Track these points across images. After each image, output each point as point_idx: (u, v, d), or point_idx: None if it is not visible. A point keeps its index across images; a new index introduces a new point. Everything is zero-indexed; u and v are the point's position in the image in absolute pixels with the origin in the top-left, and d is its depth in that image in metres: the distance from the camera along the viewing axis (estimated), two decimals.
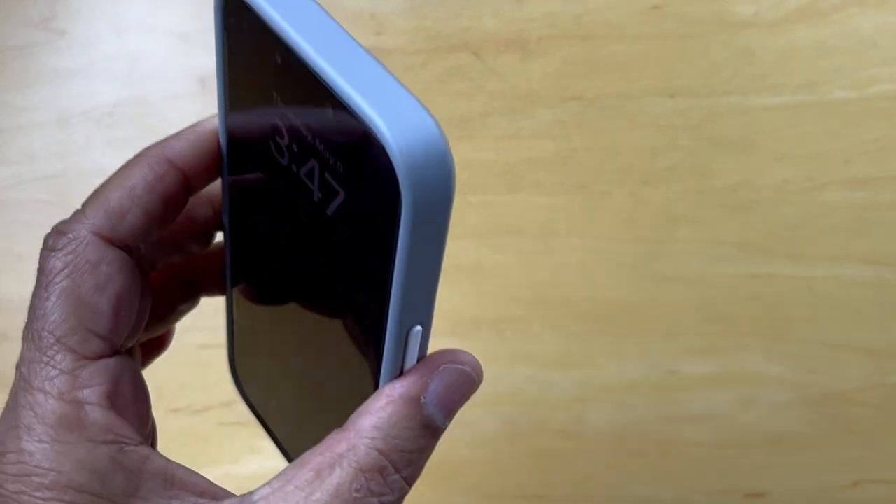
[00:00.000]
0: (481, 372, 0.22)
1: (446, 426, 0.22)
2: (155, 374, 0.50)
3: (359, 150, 0.18)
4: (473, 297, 0.50)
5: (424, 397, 0.21)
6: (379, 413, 0.21)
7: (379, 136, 0.17)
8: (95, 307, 0.21)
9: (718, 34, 0.51)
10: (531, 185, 0.50)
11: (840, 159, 0.50)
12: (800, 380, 0.50)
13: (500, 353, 0.50)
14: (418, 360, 0.22)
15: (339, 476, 0.20)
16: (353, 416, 0.21)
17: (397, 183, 0.17)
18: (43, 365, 0.21)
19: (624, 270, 0.50)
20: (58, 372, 0.21)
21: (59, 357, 0.21)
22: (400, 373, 0.22)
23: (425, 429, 0.21)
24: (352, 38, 0.19)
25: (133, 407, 0.22)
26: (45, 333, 0.21)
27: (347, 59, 0.18)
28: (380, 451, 0.20)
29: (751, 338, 0.50)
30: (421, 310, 0.21)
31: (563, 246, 0.50)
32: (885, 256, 0.50)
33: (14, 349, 0.48)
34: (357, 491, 0.20)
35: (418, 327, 0.21)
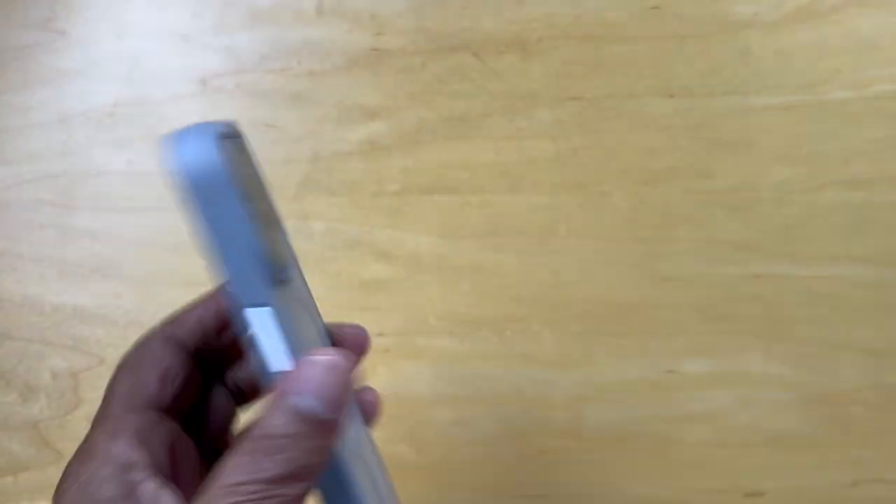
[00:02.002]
0: (344, 363, 0.25)
1: (333, 415, 0.25)
2: None
3: None
4: (473, 297, 0.50)
5: (283, 387, 0.25)
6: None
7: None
8: (147, 377, 0.29)
9: (718, 34, 0.51)
10: (531, 185, 0.50)
11: (839, 159, 0.50)
12: (799, 379, 0.50)
13: (500, 353, 0.50)
14: (288, 347, 0.25)
15: (233, 458, 0.25)
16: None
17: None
18: (100, 415, 0.28)
19: (624, 270, 0.50)
20: (107, 418, 0.28)
21: (112, 407, 0.28)
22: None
23: (294, 416, 0.24)
24: None
25: (164, 450, 0.27)
26: (110, 394, 0.29)
27: None
28: (256, 436, 0.25)
29: (750, 337, 0.50)
30: (249, 290, 0.25)
31: (562, 246, 0.50)
32: (884, 256, 0.50)
33: (14, 348, 0.48)
34: (241, 467, 0.24)
35: (261, 309, 0.24)
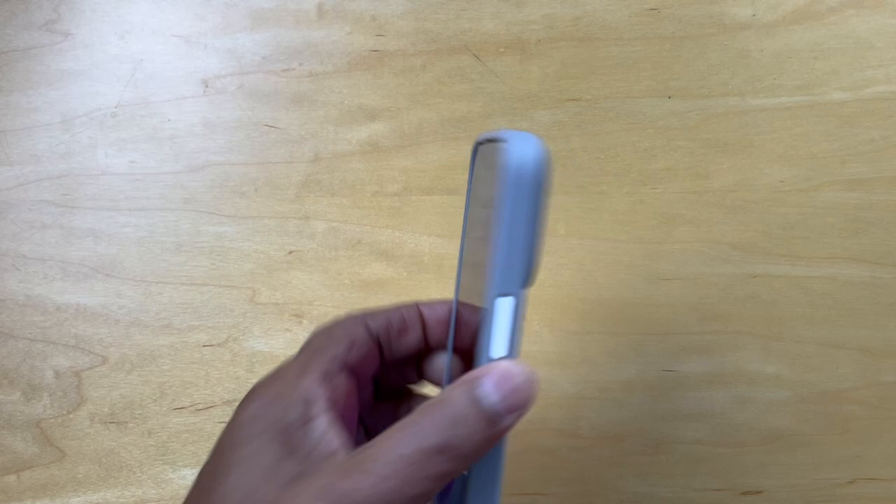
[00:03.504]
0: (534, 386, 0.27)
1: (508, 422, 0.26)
2: (159, 373, 0.51)
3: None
4: None
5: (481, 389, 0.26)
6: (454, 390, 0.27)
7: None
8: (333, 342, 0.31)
9: (716, 36, 0.51)
10: None
11: (836, 160, 0.50)
12: (796, 378, 0.50)
13: None
14: (511, 340, 0.27)
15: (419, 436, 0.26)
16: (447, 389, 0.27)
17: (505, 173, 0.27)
18: (298, 358, 0.31)
19: (622, 270, 0.50)
20: (307, 360, 0.31)
21: (304, 357, 0.31)
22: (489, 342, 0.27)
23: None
24: None
25: (342, 397, 0.29)
26: (306, 345, 0.32)
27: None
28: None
29: (747, 337, 0.50)
30: (509, 281, 0.27)
31: (562, 246, 0.50)
32: (880, 256, 0.50)
33: (17, 347, 0.48)
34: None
35: (508, 298, 0.27)
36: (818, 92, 0.50)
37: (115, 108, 0.51)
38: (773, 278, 0.50)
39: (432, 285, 0.50)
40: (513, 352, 0.27)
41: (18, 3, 0.52)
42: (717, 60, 0.51)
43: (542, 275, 0.50)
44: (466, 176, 0.51)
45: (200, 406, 0.50)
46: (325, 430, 0.27)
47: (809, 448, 0.50)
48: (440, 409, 0.26)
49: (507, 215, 0.26)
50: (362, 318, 0.32)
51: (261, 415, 0.28)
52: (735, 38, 0.51)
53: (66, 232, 0.50)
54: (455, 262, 0.50)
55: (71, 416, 0.50)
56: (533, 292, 0.50)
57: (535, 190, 0.26)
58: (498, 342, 0.27)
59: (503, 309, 0.27)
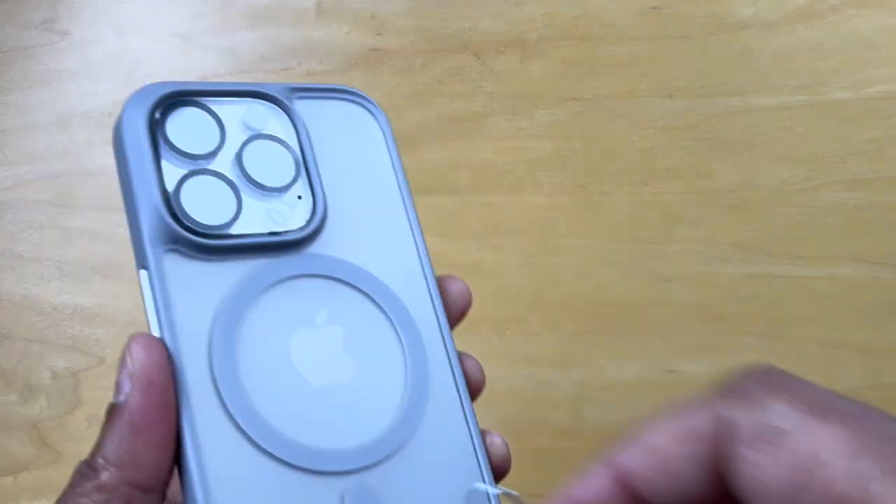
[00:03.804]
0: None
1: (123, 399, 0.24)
2: None
3: None
4: (473, 297, 0.50)
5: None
6: None
7: None
8: None
9: (717, 35, 0.51)
10: (531, 185, 0.51)
11: (838, 160, 0.50)
12: None
13: (500, 353, 0.50)
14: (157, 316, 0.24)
15: None
16: None
17: None
18: None
19: (623, 270, 0.50)
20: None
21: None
22: None
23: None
24: None
25: None
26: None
27: None
28: None
29: (749, 337, 0.50)
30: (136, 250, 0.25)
31: (562, 246, 0.50)
32: (882, 256, 0.50)
33: (14, 348, 0.48)
34: None
35: (142, 270, 0.24)
36: (820, 91, 0.50)
37: (113, 107, 0.51)
38: (775, 278, 0.50)
39: None
40: (157, 325, 0.24)
41: (16, 2, 0.51)
42: (719, 60, 0.51)
43: (544, 275, 0.50)
44: (466, 176, 0.51)
45: None
46: None
47: None
48: None
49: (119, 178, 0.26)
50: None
51: None
52: (736, 38, 0.51)
53: (64, 232, 0.50)
54: (456, 261, 0.50)
55: (68, 417, 0.50)
56: (533, 292, 0.50)
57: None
58: (151, 320, 0.24)
59: (143, 284, 0.24)
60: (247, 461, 0.23)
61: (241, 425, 0.23)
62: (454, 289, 0.29)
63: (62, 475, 0.52)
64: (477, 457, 0.28)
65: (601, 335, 0.50)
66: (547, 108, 0.51)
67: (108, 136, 0.54)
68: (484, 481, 0.28)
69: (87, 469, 0.24)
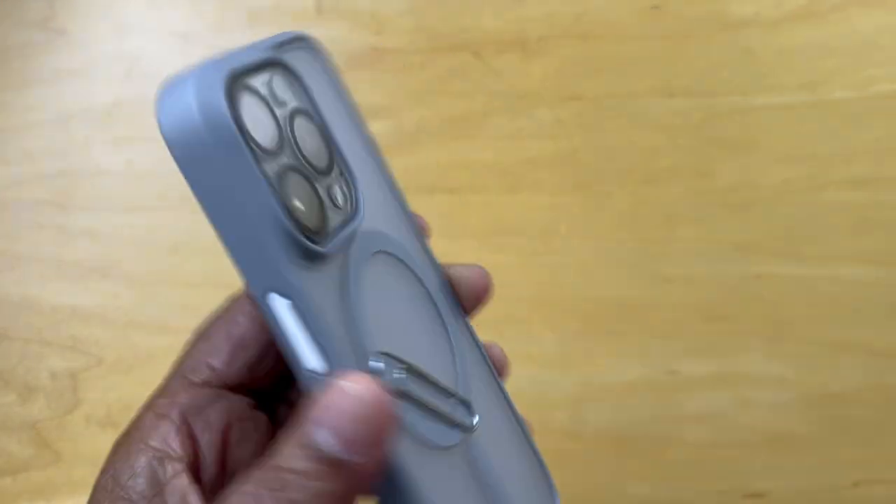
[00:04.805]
0: (376, 399, 0.20)
1: (353, 459, 0.20)
2: (156, 374, 0.50)
3: None
4: None
5: (307, 413, 0.20)
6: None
7: None
8: (212, 343, 0.26)
9: (718, 34, 0.51)
10: (531, 185, 0.50)
11: (840, 159, 0.50)
12: (800, 380, 0.50)
13: None
14: (321, 345, 0.21)
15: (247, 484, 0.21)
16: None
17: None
18: (162, 384, 0.25)
19: (624, 270, 0.50)
20: (166, 387, 0.25)
21: (172, 380, 0.25)
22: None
23: (312, 453, 0.20)
24: None
25: (212, 435, 0.24)
26: (180, 367, 0.26)
27: None
28: (272, 466, 0.21)
29: (751, 338, 0.50)
30: (264, 274, 0.20)
31: (563, 246, 0.50)
32: (885, 256, 0.50)
33: (13, 348, 0.48)
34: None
35: (272, 294, 0.20)
36: (822, 90, 0.50)
37: (112, 106, 0.51)
38: (777, 278, 0.50)
39: None
40: (333, 359, 0.21)
41: (14, 0, 0.51)
42: (720, 58, 0.50)
43: (544, 275, 0.50)
44: (466, 175, 0.51)
45: None
46: (182, 498, 0.22)
47: (813, 450, 0.49)
48: (273, 471, 0.20)
49: (198, 198, 0.20)
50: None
51: (109, 489, 0.23)
52: (738, 36, 0.50)
53: (62, 232, 0.50)
54: (456, 261, 0.50)
55: (67, 417, 0.50)
56: (533, 292, 0.50)
57: (212, 152, 0.19)
58: (305, 353, 0.21)
59: (280, 311, 0.20)
60: (435, 459, 0.23)
61: (410, 426, 0.22)
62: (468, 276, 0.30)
63: (61, 475, 0.52)
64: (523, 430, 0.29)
65: (602, 335, 0.50)
66: (548, 107, 0.51)
67: (107, 135, 0.54)
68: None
69: None
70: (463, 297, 0.30)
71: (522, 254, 0.50)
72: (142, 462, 0.23)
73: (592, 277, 0.50)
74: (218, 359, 0.25)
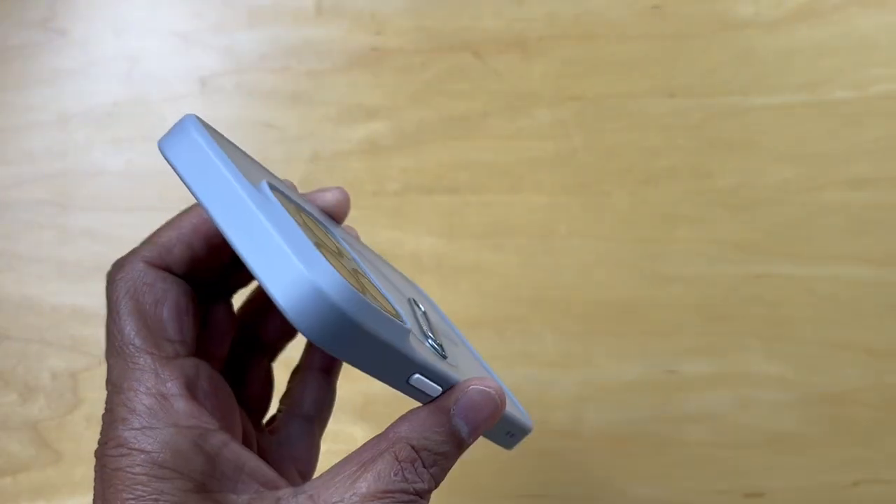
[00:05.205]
0: (503, 397, 0.25)
1: (471, 440, 0.25)
2: None
3: None
4: (473, 297, 0.50)
5: (453, 409, 0.24)
6: (414, 418, 0.25)
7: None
8: (159, 317, 0.26)
9: (719, 34, 0.51)
10: (531, 185, 0.50)
11: (840, 159, 0.50)
12: (799, 380, 0.50)
13: (500, 353, 0.50)
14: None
15: (380, 465, 0.23)
16: (391, 425, 0.25)
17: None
18: (129, 370, 0.24)
19: (624, 270, 0.50)
20: (141, 372, 0.24)
21: (140, 360, 0.25)
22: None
23: (451, 436, 0.24)
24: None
25: (213, 399, 0.25)
26: (125, 346, 0.25)
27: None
28: (413, 447, 0.24)
29: (750, 338, 0.50)
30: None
31: (563, 246, 0.50)
32: (885, 256, 0.50)
33: (14, 348, 0.48)
34: (395, 475, 0.23)
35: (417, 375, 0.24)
36: (822, 90, 0.50)
37: (112, 106, 0.51)
38: (777, 278, 0.50)
39: (433, 285, 0.50)
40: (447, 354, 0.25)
41: (14, 0, 0.51)
42: (720, 58, 0.50)
43: (544, 275, 0.50)
44: (466, 175, 0.51)
45: None
46: (239, 463, 0.24)
47: (813, 450, 0.49)
48: (422, 449, 0.24)
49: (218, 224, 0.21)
50: (158, 263, 0.27)
51: (160, 462, 0.23)
52: (738, 36, 0.50)
53: (62, 232, 0.50)
54: (456, 261, 0.50)
55: (68, 417, 0.50)
56: (534, 292, 0.50)
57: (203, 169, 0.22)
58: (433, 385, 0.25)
59: (421, 384, 0.24)
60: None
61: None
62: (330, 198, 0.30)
63: (61, 475, 0.52)
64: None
65: (602, 335, 0.50)
66: (548, 107, 0.51)
67: (107, 135, 0.54)
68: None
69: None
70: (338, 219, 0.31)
71: (522, 254, 0.50)
72: (185, 442, 0.23)
73: (592, 277, 0.50)
74: (168, 330, 0.26)
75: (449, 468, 0.25)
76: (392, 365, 0.22)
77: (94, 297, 0.50)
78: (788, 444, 0.49)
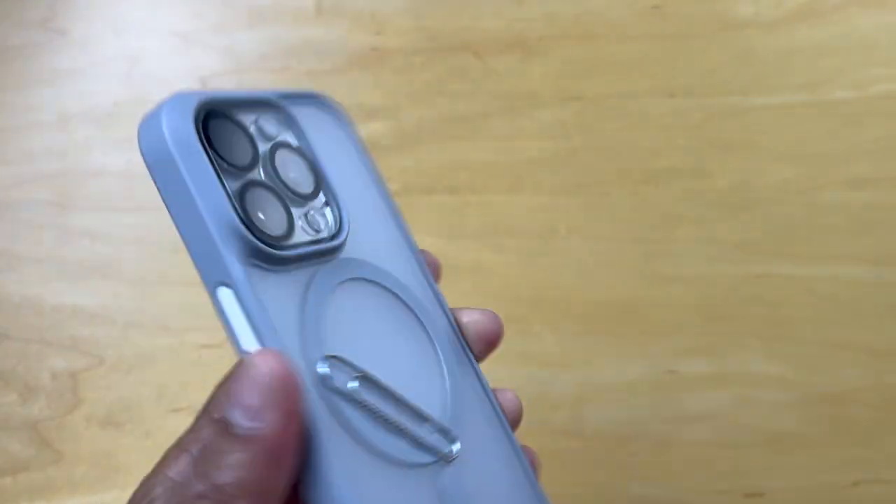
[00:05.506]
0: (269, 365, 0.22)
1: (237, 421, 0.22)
2: (157, 374, 0.50)
3: None
4: (473, 297, 0.50)
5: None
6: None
7: None
8: None
9: (718, 34, 0.51)
10: (531, 185, 0.50)
11: (840, 159, 0.50)
12: (799, 379, 0.50)
13: (500, 353, 0.50)
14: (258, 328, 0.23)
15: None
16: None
17: None
18: None
19: (624, 270, 0.50)
20: (192, 427, 0.24)
21: (199, 419, 0.25)
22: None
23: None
24: None
25: None
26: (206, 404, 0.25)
27: None
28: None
29: (750, 337, 0.50)
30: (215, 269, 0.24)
31: (563, 246, 0.50)
32: (884, 256, 0.50)
33: (13, 348, 0.48)
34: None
35: (220, 287, 0.23)
36: (822, 90, 0.50)
37: (112, 106, 0.51)
38: (777, 278, 0.50)
39: None
40: (265, 338, 0.23)
41: (14, 0, 0.51)
42: (720, 58, 0.50)
43: (544, 275, 0.50)
44: (466, 175, 0.51)
45: (199, 408, 0.50)
46: None
47: (813, 450, 0.49)
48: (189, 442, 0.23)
49: (163, 199, 0.25)
50: None
51: None
52: (738, 36, 0.50)
53: (63, 232, 0.50)
54: (456, 261, 0.50)
55: (68, 417, 0.50)
56: (533, 292, 0.50)
57: (170, 165, 0.24)
58: (241, 337, 0.23)
59: (224, 300, 0.23)
60: (369, 469, 0.23)
61: (361, 434, 0.24)
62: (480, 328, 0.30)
63: (62, 476, 0.52)
64: (518, 459, 0.30)
65: (602, 335, 0.50)
66: (548, 107, 0.51)
67: (108, 135, 0.54)
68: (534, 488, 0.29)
69: (208, 489, 0.22)
70: (471, 341, 0.31)
71: (522, 254, 0.50)
72: (158, 491, 0.23)
73: (592, 277, 0.50)
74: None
75: (243, 463, 0.22)
76: (202, 243, 0.24)
77: (94, 298, 0.50)
78: (788, 444, 0.49)
